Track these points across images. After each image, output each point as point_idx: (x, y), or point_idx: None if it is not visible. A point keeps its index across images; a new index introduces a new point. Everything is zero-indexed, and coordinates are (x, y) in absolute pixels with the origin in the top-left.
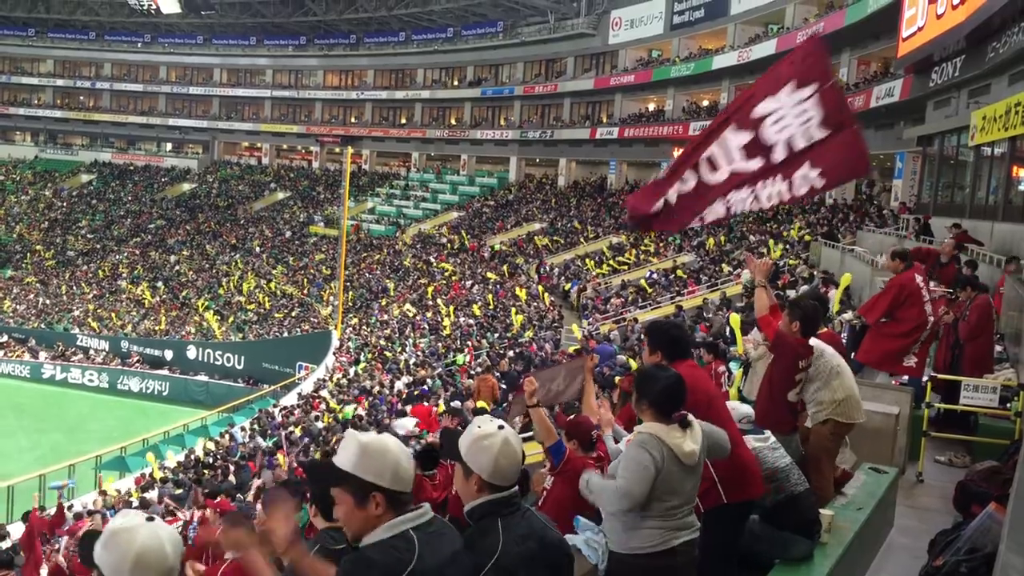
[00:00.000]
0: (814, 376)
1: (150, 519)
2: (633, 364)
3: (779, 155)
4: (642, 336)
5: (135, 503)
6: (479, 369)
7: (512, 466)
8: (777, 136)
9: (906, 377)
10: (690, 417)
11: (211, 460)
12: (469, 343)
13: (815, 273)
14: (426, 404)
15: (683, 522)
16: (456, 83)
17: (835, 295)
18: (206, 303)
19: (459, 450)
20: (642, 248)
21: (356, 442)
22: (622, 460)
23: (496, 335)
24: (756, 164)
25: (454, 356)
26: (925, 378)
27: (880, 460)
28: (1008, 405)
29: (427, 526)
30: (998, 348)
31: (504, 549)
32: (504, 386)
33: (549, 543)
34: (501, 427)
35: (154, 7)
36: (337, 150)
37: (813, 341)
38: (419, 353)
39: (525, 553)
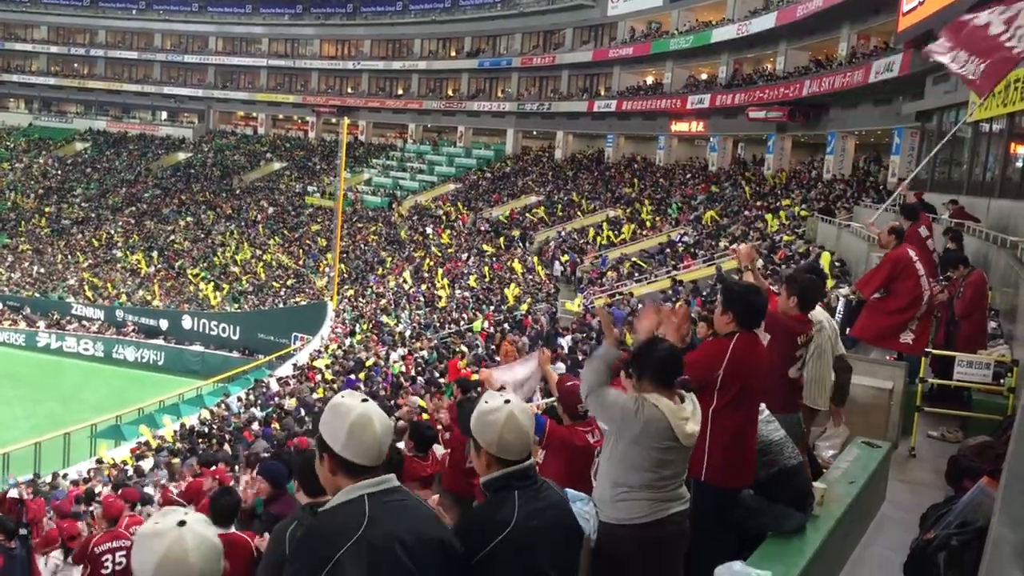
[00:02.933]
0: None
1: (182, 523)
2: (628, 339)
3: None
4: (718, 291)
5: (130, 471)
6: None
7: (519, 440)
8: None
9: (896, 353)
10: (693, 384)
11: (206, 430)
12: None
13: (811, 248)
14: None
15: (673, 494)
16: (453, 54)
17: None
18: (201, 273)
19: (469, 427)
20: (642, 218)
21: (330, 402)
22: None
23: (492, 308)
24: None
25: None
26: None
27: (873, 434)
28: (1001, 381)
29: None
30: (992, 324)
31: (518, 522)
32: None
33: (564, 516)
34: (507, 401)
35: None
36: (333, 120)
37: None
38: (415, 325)
39: (541, 526)
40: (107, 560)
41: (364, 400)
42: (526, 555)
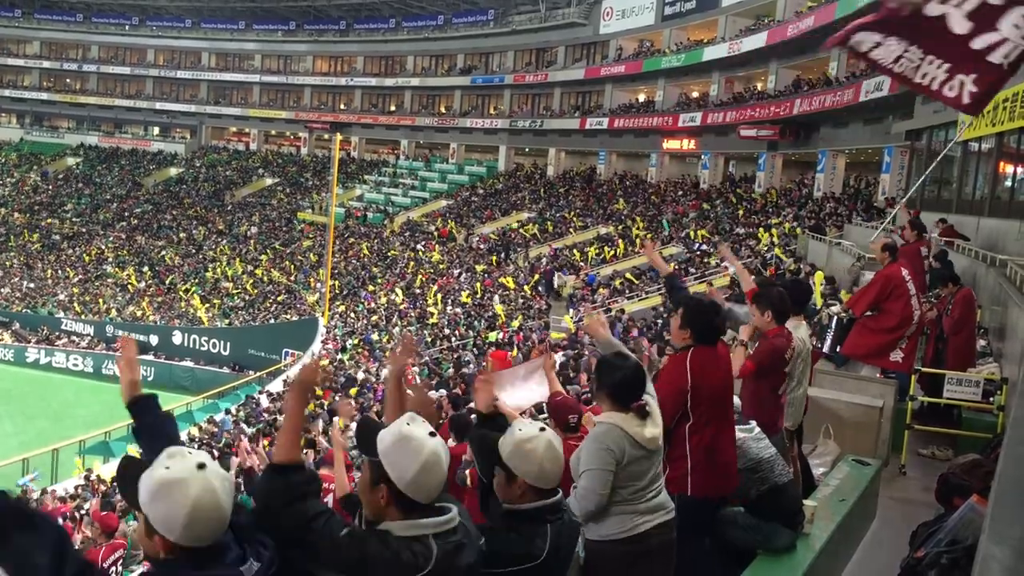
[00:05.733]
0: None
1: (201, 466)
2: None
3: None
4: (680, 307)
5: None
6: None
7: (557, 468)
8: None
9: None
10: (648, 407)
11: (196, 446)
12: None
13: (801, 266)
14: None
15: (652, 504)
16: (446, 71)
17: (815, 291)
18: (192, 288)
19: (500, 454)
20: (634, 235)
21: (397, 431)
22: (582, 456)
23: (484, 323)
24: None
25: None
26: None
27: (863, 452)
28: (991, 399)
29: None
30: (982, 342)
31: (548, 555)
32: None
33: (573, 545)
34: (543, 429)
35: None
36: (326, 136)
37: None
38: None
39: (563, 554)
40: (113, 572)
41: (432, 434)
42: None
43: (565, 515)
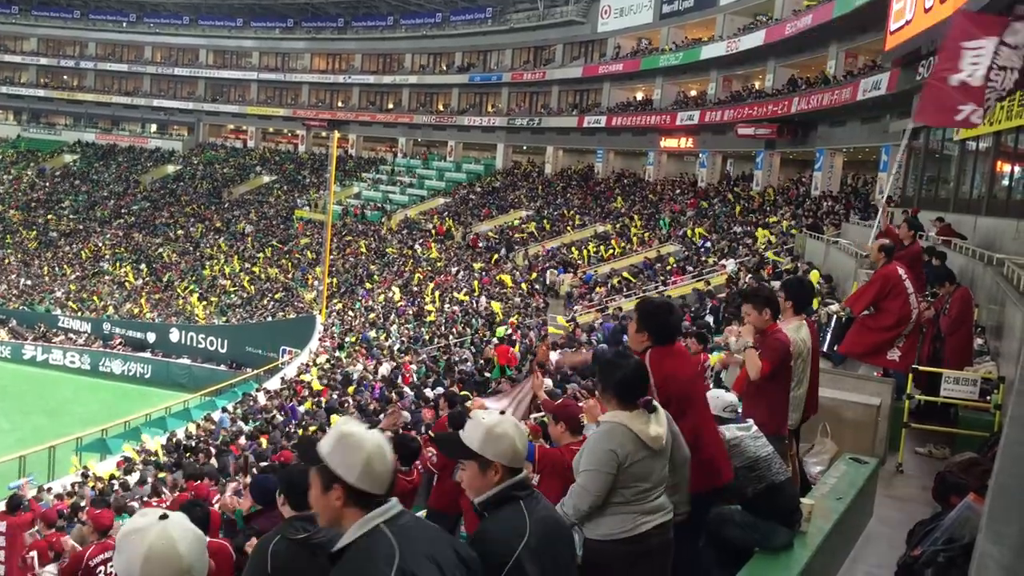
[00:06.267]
0: None
1: (163, 517)
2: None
3: None
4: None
5: (116, 485)
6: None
7: (525, 447)
8: None
9: (882, 369)
10: (656, 402)
11: (193, 444)
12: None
13: (799, 265)
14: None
15: (654, 505)
16: (444, 68)
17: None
18: (189, 286)
19: (470, 446)
20: (632, 233)
21: (336, 431)
22: (584, 453)
23: (481, 321)
24: None
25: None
26: None
27: (861, 450)
28: (988, 398)
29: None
30: (979, 341)
31: (532, 530)
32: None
33: (562, 524)
34: (502, 412)
35: None
36: (323, 134)
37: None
38: (404, 339)
39: (549, 534)
40: (100, 571)
41: (369, 428)
42: (540, 563)
43: (535, 492)
